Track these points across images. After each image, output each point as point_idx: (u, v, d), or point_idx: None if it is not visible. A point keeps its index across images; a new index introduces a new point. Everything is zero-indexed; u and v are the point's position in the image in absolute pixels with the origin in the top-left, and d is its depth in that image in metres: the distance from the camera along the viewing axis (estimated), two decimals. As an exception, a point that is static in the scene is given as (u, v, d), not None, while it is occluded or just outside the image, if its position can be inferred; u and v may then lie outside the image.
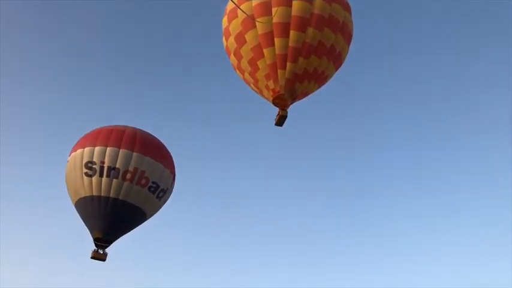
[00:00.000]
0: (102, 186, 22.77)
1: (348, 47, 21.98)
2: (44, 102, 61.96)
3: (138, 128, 25.26)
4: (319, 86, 22.10)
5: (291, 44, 19.94)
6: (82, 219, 24.13)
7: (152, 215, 25.21)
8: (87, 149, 23.35)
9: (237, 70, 22.19)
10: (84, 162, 23.09)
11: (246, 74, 21.61)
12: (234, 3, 20.30)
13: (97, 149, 23.18)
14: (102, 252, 23.61)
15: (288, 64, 20.19)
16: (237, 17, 20.81)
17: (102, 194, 22.81)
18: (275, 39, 19.97)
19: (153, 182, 23.73)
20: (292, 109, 21.49)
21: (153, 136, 25.41)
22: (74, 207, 24.40)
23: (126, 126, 24.90)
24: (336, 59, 21.40)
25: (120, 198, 22.96)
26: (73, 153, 24.02)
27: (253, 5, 20.02)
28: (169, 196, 25.62)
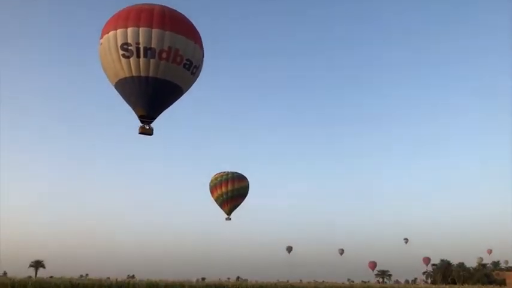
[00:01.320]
0: (141, 66, 23.89)
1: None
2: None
3: (164, 5, 25.31)
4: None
5: None
6: (124, 99, 25.66)
7: (187, 90, 26.71)
8: (119, 31, 23.87)
9: None
10: (119, 44, 23.80)
11: None
12: None
13: (130, 30, 23.71)
14: (148, 127, 25.43)
15: None
16: None
17: (142, 74, 24.04)
18: None
19: (187, 59, 24.83)
20: None
21: (181, 13, 25.55)
22: (113, 88, 25.73)
23: (153, 5, 24.96)
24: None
25: (158, 76, 24.25)
26: (105, 36, 24.52)
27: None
28: (200, 71, 26.78)
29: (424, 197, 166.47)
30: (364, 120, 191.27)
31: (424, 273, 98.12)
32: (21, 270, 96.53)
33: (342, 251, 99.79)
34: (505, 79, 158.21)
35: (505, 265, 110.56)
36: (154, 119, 25.81)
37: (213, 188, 47.74)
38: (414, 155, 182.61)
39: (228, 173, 48.62)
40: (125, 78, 24.40)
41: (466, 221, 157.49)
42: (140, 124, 25.45)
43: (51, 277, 62.16)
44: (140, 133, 25.34)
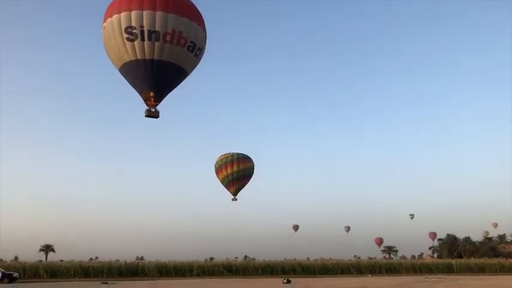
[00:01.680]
0: (146, 49, 23.77)
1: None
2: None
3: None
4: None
5: None
6: (129, 82, 25.69)
7: (191, 72, 26.71)
8: (123, 14, 23.67)
9: None
10: (123, 27, 23.64)
11: None
12: None
13: (134, 13, 23.51)
14: (154, 110, 25.51)
15: None
16: None
17: (147, 57, 23.95)
18: None
19: (190, 42, 24.71)
20: None
21: (182, -6, 25.29)
22: (118, 71, 25.72)
23: (155, -13, 24.68)
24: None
25: (163, 59, 24.19)
26: (109, 19, 24.36)
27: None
28: (203, 53, 26.71)
29: (430, 173, 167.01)
30: (371, 97, 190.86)
31: (430, 248, 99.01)
32: (32, 255, 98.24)
33: (348, 229, 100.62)
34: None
35: (511, 238, 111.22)
36: (160, 101, 25.77)
37: (219, 169, 48.27)
38: (419, 132, 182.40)
39: (233, 154, 49.01)
40: (130, 62, 24.34)
41: (471, 196, 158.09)
42: (146, 107, 25.42)
43: (62, 261, 63.35)
44: (146, 116, 25.34)
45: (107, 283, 34.81)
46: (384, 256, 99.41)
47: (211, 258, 75.86)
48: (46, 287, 32.69)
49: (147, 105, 25.45)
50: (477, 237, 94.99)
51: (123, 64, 24.78)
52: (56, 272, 44.28)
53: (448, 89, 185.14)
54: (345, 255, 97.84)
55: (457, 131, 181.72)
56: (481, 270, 55.85)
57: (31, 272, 43.16)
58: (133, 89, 25.87)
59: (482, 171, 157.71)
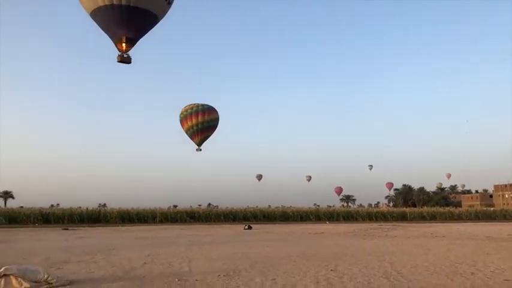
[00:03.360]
0: None
1: None
2: None
3: None
4: None
5: None
6: (101, 27, 25.01)
7: (162, 18, 26.26)
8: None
9: None
10: None
11: None
12: None
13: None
14: (126, 56, 25.19)
15: None
16: None
17: (118, 3, 23.60)
18: None
19: (163, -12, 24.08)
20: None
21: None
22: (90, 16, 24.93)
23: None
24: None
25: (134, 5, 23.89)
26: None
27: None
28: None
29: (390, 124, 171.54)
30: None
31: (386, 197, 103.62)
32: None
33: (309, 178, 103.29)
34: None
35: (461, 188, 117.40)
36: (132, 47, 25.42)
37: (183, 119, 47.80)
38: (383, 78, 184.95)
39: (198, 105, 48.48)
40: (100, 7, 23.87)
41: (427, 148, 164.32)
42: (118, 53, 25.08)
43: (22, 207, 62.45)
44: (119, 61, 25.31)
45: (67, 229, 34.76)
46: (342, 205, 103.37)
47: (175, 206, 76.61)
48: (3, 232, 32.30)
49: (119, 50, 25.21)
50: (431, 187, 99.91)
51: (95, 9, 24.31)
52: (14, 218, 43.74)
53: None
54: (305, 203, 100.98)
55: (419, 88, 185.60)
56: (433, 218, 58.99)
57: (-13, 218, 42.39)
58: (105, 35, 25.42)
59: (438, 126, 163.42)
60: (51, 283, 8.59)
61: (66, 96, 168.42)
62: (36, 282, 8.46)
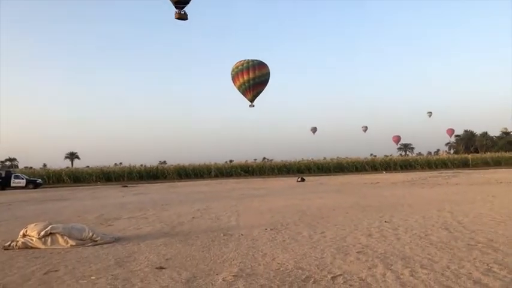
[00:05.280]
0: None
1: None
2: None
3: None
4: None
5: None
6: None
7: None
8: None
9: None
10: None
11: None
12: None
13: None
14: (183, 12, 25.67)
15: None
16: None
17: None
18: None
19: None
20: None
21: None
22: None
23: None
24: None
25: None
26: None
27: None
28: None
29: (449, 72, 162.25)
30: None
31: (446, 144, 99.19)
32: (59, 162, 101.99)
33: (365, 128, 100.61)
34: None
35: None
36: (187, 3, 25.89)
37: (235, 76, 47.37)
38: (439, 32, 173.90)
39: (248, 61, 47.73)
40: None
41: (491, 92, 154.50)
42: (175, 10, 25.69)
43: (87, 167, 65.68)
44: (177, 18, 26.03)
45: (126, 186, 36.04)
46: (400, 154, 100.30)
47: (231, 161, 77.67)
48: (65, 190, 33.96)
49: (176, 8, 25.94)
50: (495, 132, 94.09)
51: None
52: (78, 177, 46.07)
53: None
54: (362, 154, 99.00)
55: (474, 34, 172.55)
56: (497, 164, 56.05)
57: (55, 178, 44.93)
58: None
59: (502, 68, 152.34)
60: (96, 240, 8.58)
61: (132, 56, 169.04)
62: (81, 240, 8.48)
